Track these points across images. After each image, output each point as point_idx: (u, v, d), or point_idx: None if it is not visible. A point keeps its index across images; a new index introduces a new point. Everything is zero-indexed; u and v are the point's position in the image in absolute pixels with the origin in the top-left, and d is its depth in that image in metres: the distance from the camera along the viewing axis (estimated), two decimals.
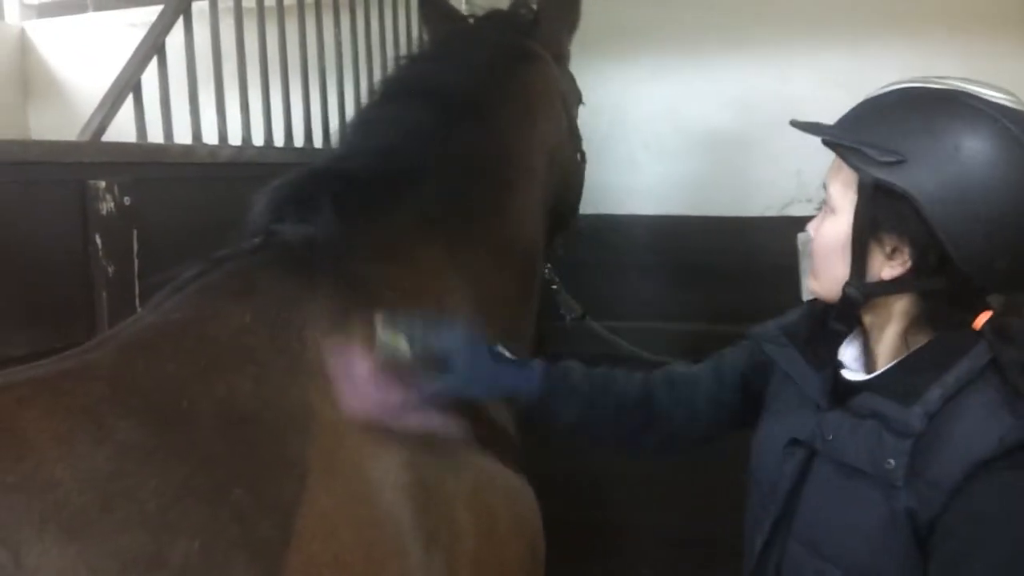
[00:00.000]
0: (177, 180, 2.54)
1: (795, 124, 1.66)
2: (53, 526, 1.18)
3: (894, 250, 1.47)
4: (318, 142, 3.32)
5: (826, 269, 1.58)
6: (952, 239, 1.39)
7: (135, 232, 2.31)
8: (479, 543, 1.81)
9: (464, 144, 2.21)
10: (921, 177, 1.40)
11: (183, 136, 2.68)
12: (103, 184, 2.24)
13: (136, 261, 2.31)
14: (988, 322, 1.44)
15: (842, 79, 3.60)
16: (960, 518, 1.35)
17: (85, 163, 2.25)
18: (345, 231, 1.89)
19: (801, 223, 3.68)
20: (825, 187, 1.60)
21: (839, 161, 1.54)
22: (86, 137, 2.35)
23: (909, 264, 1.46)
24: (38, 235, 2.15)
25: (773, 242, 3.66)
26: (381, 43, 3.74)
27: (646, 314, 3.85)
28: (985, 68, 3.40)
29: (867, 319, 1.55)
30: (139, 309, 2.25)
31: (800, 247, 3.69)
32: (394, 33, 3.85)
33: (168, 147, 2.58)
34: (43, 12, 5.32)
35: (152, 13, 2.72)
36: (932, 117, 1.46)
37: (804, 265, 3.54)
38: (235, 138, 2.90)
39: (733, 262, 3.75)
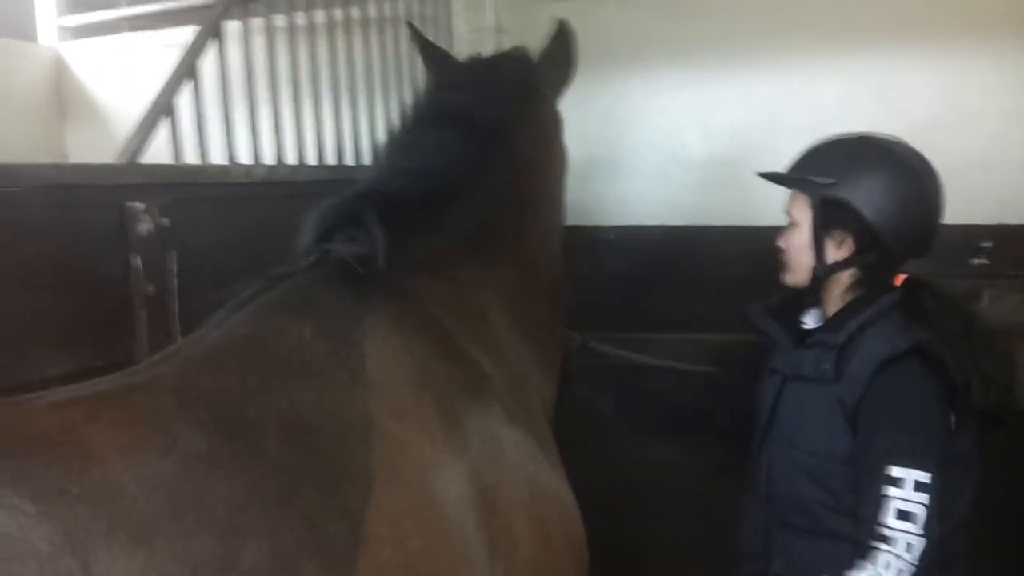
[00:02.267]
0: (214, 200, 2.58)
1: (760, 174, 2.46)
2: (121, 534, 1.21)
3: (842, 241, 2.27)
4: (350, 160, 3.35)
5: (799, 263, 2.36)
6: (878, 224, 2.19)
7: (174, 253, 2.35)
8: (536, 553, 1.86)
9: (496, 170, 2.31)
10: (852, 189, 2.21)
11: (217, 156, 2.72)
12: (142, 206, 2.28)
13: (175, 281, 2.35)
14: (904, 280, 2.31)
15: (870, 86, 3.58)
16: (870, 401, 2.14)
17: (123, 185, 2.30)
18: (394, 249, 1.95)
19: None
20: (788, 212, 2.39)
21: (795, 192, 2.36)
22: (123, 160, 2.39)
23: (853, 248, 2.26)
24: (78, 257, 2.20)
25: None
26: (411, 62, 3.78)
27: (680, 325, 3.85)
28: (1013, 71, 3.39)
29: (823, 292, 2.34)
30: (179, 328, 2.31)
31: None
32: None
33: (204, 168, 2.62)
34: (79, 34, 5.40)
35: (187, 33, 2.77)
36: (853, 151, 2.31)
37: None
38: (269, 157, 2.94)
39: (764, 271, 3.74)
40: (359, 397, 1.64)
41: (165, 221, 2.32)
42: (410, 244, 2.04)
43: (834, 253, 2.28)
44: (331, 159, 3.27)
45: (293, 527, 1.37)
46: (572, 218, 4.07)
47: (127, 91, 4.90)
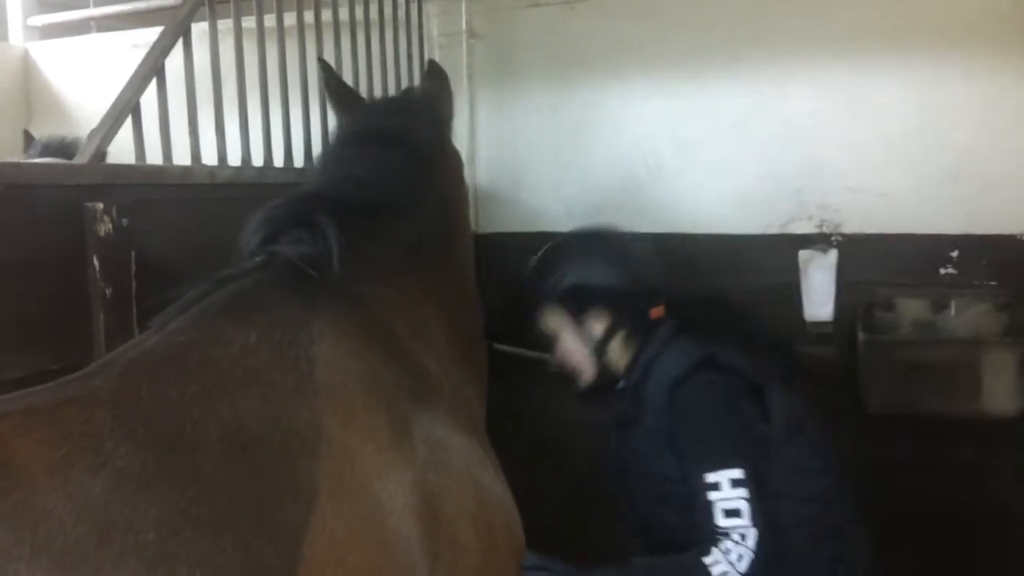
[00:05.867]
0: (175, 201, 2.54)
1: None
2: (45, 559, 1.15)
3: (597, 315, 2.60)
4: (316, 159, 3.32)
5: (580, 360, 2.65)
6: (610, 280, 2.58)
7: (133, 254, 2.30)
8: (481, 559, 1.83)
9: (430, 188, 2.39)
10: (575, 271, 2.59)
11: (182, 157, 2.68)
12: (101, 206, 2.23)
13: (134, 282, 2.29)
14: (664, 308, 2.64)
15: (841, 98, 3.60)
16: (672, 424, 2.39)
17: (84, 185, 2.25)
18: (343, 253, 1.92)
19: (801, 241, 3.71)
20: (549, 332, 2.67)
21: (544, 313, 2.66)
22: (84, 159, 2.34)
23: (609, 313, 2.60)
24: (36, 257, 2.14)
25: (774, 260, 3.68)
26: (382, 64, 3.76)
27: None
28: (983, 83, 3.41)
29: (612, 364, 2.64)
30: (136, 330, 2.26)
31: (801, 264, 3.71)
32: (395, 54, 3.87)
33: (167, 168, 2.57)
34: (46, 33, 5.34)
35: (154, 34, 2.72)
36: (554, 251, 2.70)
37: (805, 283, 3.58)
38: (234, 159, 2.90)
39: (735, 280, 3.74)
40: (307, 404, 1.59)
41: (125, 222, 2.27)
42: (359, 249, 2.01)
43: (599, 329, 2.61)
44: (299, 161, 3.23)
45: (227, 552, 1.31)
46: (542, 224, 4.08)
47: (94, 91, 4.85)
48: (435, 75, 2.83)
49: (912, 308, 3.51)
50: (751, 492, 2.24)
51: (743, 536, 2.20)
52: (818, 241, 3.63)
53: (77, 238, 2.21)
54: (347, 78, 3.46)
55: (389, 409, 1.75)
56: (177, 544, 1.27)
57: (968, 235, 3.45)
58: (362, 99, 2.84)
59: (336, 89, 2.76)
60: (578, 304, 2.60)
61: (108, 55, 4.90)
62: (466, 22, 4.21)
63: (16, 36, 5.30)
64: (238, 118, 2.92)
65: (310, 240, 1.93)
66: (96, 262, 2.22)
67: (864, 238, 3.59)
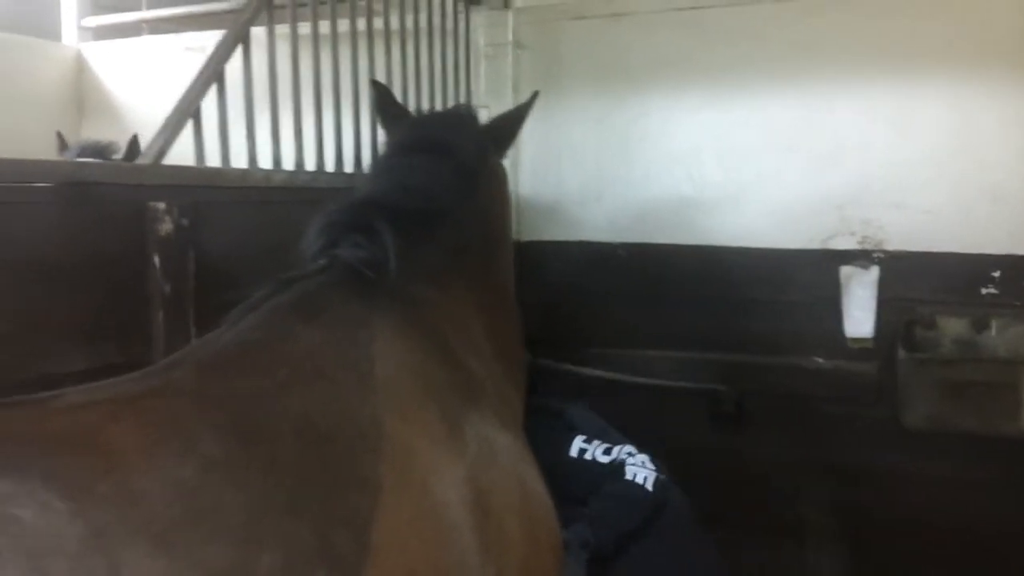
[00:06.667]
0: (233, 203, 2.61)
1: None
2: (144, 537, 1.20)
3: None
4: (367, 168, 3.38)
5: None
6: None
7: (192, 253, 2.37)
8: (526, 552, 1.90)
9: (479, 199, 2.50)
10: None
11: (239, 160, 2.74)
12: (162, 206, 2.30)
13: (192, 281, 2.36)
14: None
15: (887, 114, 3.61)
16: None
17: (146, 185, 2.32)
18: (398, 257, 2.01)
19: (843, 256, 3.72)
20: None
21: None
22: (147, 160, 2.41)
23: None
24: (98, 254, 2.21)
25: (815, 275, 3.69)
26: (429, 72, 3.81)
27: (687, 344, 3.86)
28: None
29: None
30: (193, 328, 2.33)
31: (842, 280, 3.72)
32: (442, 63, 3.92)
33: (225, 171, 2.64)
34: (99, 35, 5.45)
35: (206, 37, 2.79)
36: None
37: (846, 299, 3.59)
38: (289, 163, 2.97)
39: (775, 293, 3.76)
40: (369, 399, 1.67)
41: (185, 221, 2.34)
42: (411, 254, 2.09)
43: None
44: (349, 167, 3.30)
45: (304, 536, 1.37)
46: (584, 234, 4.11)
47: (145, 92, 4.95)
48: (528, 104, 2.92)
49: (953, 327, 3.51)
50: (604, 440, 2.75)
51: (630, 452, 2.67)
52: (860, 257, 3.63)
53: (139, 237, 2.28)
54: (395, 85, 3.53)
55: (442, 406, 1.83)
56: (262, 527, 1.33)
57: (1010, 255, 3.44)
58: (411, 115, 2.91)
59: (388, 109, 2.84)
60: None
61: (160, 57, 5.00)
62: (512, 33, 4.26)
63: (70, 37, 5.41)
64: (292, 123, 2.98)
65: (367, 245, 2.02)
66: (157, 260, 2.29)
67: (906, 255, 3.59)
